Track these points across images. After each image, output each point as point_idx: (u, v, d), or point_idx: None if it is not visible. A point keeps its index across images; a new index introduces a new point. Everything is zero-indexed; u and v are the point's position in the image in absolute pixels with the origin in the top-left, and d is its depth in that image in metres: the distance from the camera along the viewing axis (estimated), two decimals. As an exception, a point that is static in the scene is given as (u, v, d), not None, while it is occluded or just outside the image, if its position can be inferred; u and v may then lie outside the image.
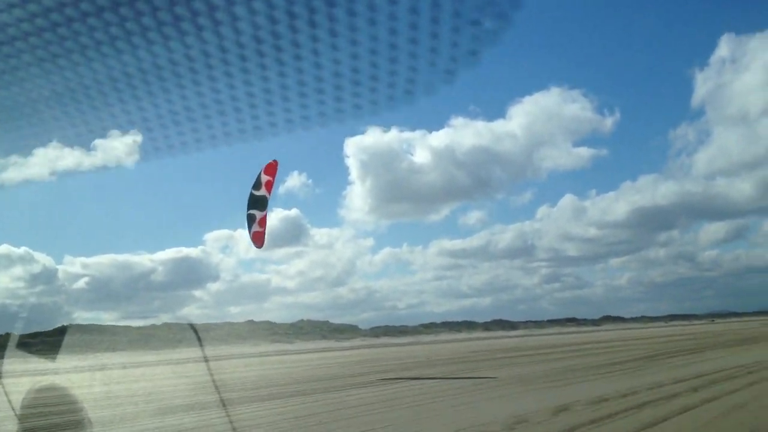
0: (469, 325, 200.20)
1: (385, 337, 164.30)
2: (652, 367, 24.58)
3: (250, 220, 22.22)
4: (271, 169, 22.41)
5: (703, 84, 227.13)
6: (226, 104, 8.12)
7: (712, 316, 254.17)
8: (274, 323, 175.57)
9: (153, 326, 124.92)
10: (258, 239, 22.36)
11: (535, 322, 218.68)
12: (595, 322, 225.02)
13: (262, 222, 22.28)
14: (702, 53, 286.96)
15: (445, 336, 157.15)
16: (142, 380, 32.76)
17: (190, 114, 8.41)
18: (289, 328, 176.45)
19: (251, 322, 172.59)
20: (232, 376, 30.92)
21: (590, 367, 25.99)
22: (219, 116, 8.39)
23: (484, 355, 42.18)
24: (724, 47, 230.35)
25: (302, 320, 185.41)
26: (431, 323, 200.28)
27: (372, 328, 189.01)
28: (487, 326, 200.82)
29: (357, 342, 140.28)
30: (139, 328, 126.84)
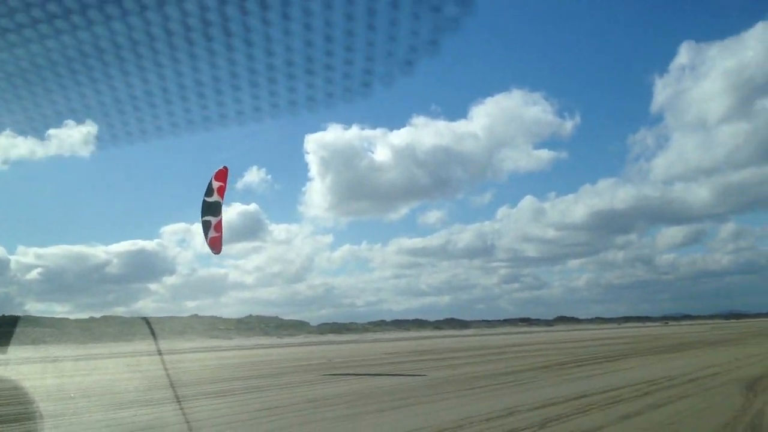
0: (419, 324, 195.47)
1: (331, 334, 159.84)
2: (536, 381, 19.79)
3: (206, 226, 22.78)
4: (222, 175, 23.00)
5: (662, 90, 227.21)
6: (172, 93, 7.74)
7: (667, 318, 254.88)
8: (219, 318, 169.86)
9: (105, 318, 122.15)
10: (215, 244, 22.84)
11: (488, 321, 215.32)
12: (548, 323, 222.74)
13: (218, 227, 22.70)
14: (662, 60, 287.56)
15: (392, 334, 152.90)
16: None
17: (136, 103, 8.06)
18: (234, 323, 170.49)
19: (195, 316, 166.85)
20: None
21: (468, 378, 20.99)
22: (165, 105, 7.97)
23: (397, 358, 37.35)
24: (684, 54, 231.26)
25: (250, 315, 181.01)
26: (381, 321, 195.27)
27: (320, 325, 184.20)
28: (439, 325, 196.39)
29: (300, 339, 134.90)
30: (91, 320, 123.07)
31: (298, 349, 65.64)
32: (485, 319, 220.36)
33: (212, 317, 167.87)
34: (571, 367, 25.11)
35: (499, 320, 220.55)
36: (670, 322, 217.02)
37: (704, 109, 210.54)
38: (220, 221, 22.85)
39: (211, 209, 22.92)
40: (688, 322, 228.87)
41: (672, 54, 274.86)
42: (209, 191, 22.83)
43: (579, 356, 32.48)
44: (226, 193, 22.95)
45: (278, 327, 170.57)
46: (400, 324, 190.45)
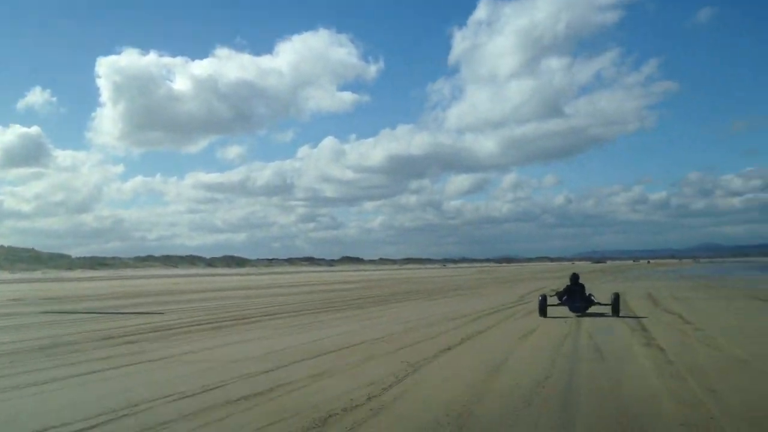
0: (192, 260, 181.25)
1: (91, 270, 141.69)
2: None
3: None
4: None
5: (460, 43, 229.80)
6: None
7: (448, 261, 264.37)
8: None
9: None
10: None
11: (269, 260, 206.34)
12: (331, 263, 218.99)
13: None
14: (462, 13, 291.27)
15: (156, 271, 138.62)
16: None
17: None
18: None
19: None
20: None
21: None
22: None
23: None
24: (482, 9, 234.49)
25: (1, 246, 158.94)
26: (149, 256, 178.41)
27: (80, 258, 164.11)
28: (213, 262, 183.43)
29: (38, 275, 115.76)
30: None
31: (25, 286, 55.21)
32: (276, 257, 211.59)
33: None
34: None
35: (281, 259, 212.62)
36: (449, 265, 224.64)
37: (496, 64, 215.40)
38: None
39: None
40: (465, 264, 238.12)
41: (471, 8, 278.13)
42: None
43: (266, 310, 22.72)
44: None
45: (34, 260, 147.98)
46: (169, 260, 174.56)
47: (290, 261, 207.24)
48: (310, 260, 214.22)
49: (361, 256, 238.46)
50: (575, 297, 18.76)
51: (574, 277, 19.50)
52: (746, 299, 25.78)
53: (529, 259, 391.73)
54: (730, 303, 23.67)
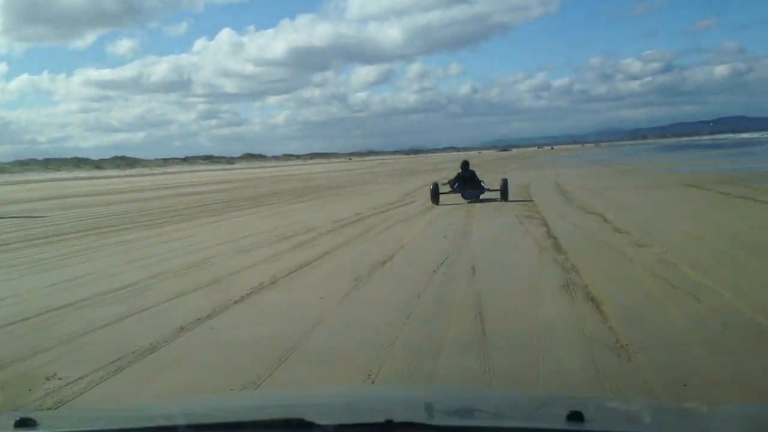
0: (77, 163, 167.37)
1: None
2: None
3: None
4: None
5: None
6: None
7: (355, 154, 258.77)
8: None
9: None
10: None
11: (165, 159, 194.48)
12: (231, 160, 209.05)
13: None
14: None
15: (35, 175, 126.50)
16: None
17: None
18: None
19: None
20: None
21: None
22: None
23: None
24: None
25: None
26: (30, 160, 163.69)
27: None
28: (101, 164, 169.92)
29: None
30: None
31: None
32: (176, 157, 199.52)
33: None
34: None
35: (179, 158, 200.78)
36: (354, 158, 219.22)
37: None
38: None
39: None
40: (372, 157, 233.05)
41: None
42: None
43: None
44: None
45: None
46: (50, 164, 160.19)
47: (187, 160, 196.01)
48: (210, 158, 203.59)
49: (264, 153, 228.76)
50: (466, 184, 19.00)
51: (465, 165, 19.57)
52: (676, 187, 21.27)
53: (437, 150, 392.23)
54: (661, 194, 18.96)
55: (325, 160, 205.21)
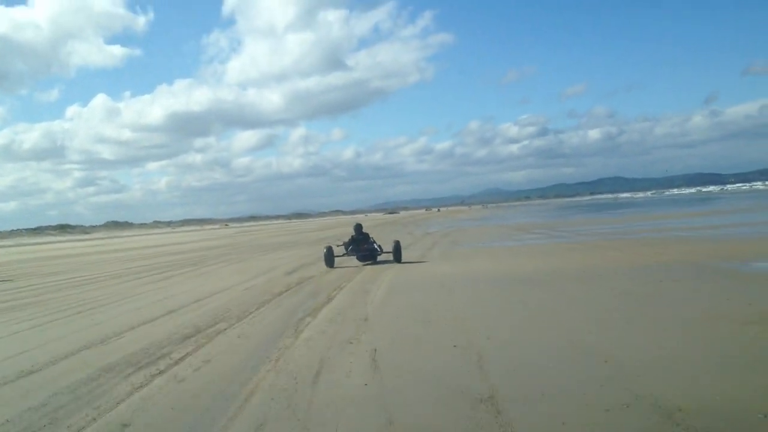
0: None
1: None
2: None
3: None
4: None
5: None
6: None
7: (235, 220, 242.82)
8: None
9: None
10: None
11: (8, 231, 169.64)
12: (86, 230, 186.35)
13: None
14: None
15: None
16: None
17: None
18: None
19: None
20: None
21: None
22: None
23: None
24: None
25: None
26: None
27: None
28: None
29: None
30: None
31: None
32: (50, 224, 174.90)
33: None
34: None
35: (27, 229, 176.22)
36: (232, 224, 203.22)
37: (272, 16, 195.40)
38: None
39: None
40: (251, 223, 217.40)
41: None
42: None
43: None
44: None
45: None
46: None
47: (37, 230, 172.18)
48: (63, 228, 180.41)
49: (144, 221, 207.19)
50: (360, 247, 18.71)
51: (358, 227, 19.47)
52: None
53: (323, 214, 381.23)
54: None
55: (198, 227, 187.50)
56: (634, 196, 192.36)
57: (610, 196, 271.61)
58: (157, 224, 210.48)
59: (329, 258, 17.77)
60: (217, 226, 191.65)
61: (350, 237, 19.08)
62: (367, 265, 17.61)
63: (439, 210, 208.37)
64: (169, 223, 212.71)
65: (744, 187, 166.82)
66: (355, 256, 18.46)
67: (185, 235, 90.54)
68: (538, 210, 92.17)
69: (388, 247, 18.70)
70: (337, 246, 19.16)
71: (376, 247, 18.73)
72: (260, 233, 68.78)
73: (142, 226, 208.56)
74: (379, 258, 18.48)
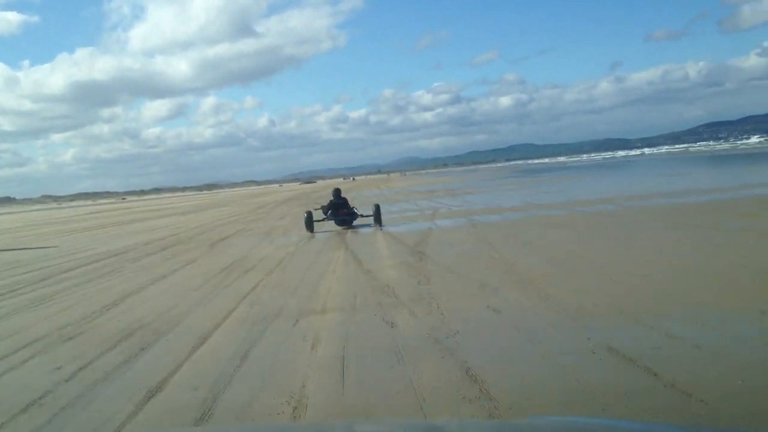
0: None
1: None
2: None
3: None
4: None
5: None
6: None
7: (131, 193, 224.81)
8: None
9: None
10: None
11: None
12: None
13: None
14: None
15: None
16: None
17: None
18: None
19: None
20: None
21: None
22: None
23: None
24: None
25: None
26: None
27: None
28: None
29: None
30: None
31: None
32: None
33: None
34: None
35: None
36: (127, 198, 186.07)
37: None
38: None
39: None
40: (153, 195, 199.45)
41: None
42: None
43: None
44: None
45: None
46: None
47: None
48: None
49: (9, 195, 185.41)
50: (339, 211, 18.64)
51: (337, 192, 19.31)
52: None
53: (235, 184, 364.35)
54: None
55: (92, 201, 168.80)
56: (550, 161, 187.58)
57: (521, 162, 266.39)
58: (44, 199, 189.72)
59: (309, 223, 17.65)
60: (113, 200, 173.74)
61: (329, 201, 19.05)
62: (346, 229, 17.72)
63: (353, 179, 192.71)
64: (56, 198, 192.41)
65: (661, 151, 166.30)
66: (334, 221, 18.46)
67: (44, 214, 75.41)
68: (486, 176, 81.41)
69: (368, 210, 18.86)
70: (316, 210, 19.06)
71: (355, 211, 18.85)
72: (135, 213, 55.65)
73: (26, 201, 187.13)
74: (356, 222, 18.50)
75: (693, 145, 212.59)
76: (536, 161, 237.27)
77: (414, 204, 27.25)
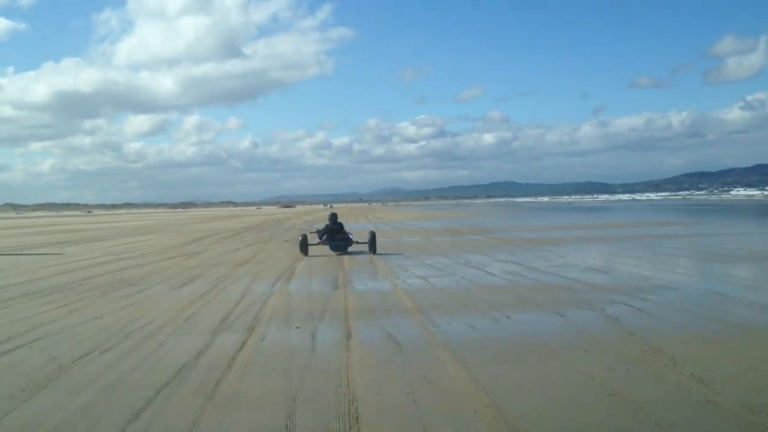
0: None
1: None
2: None
3: None
4: None
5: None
6: None
7: (99, 207, 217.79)
8: None
9: None
10: None
11: None
12: None
13: None
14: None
15: None
16: None
17: None
18: None
19: None
20: None
21: None
22: None
23: None
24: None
25: None
26: None
27: None
28: None
29: None
30: None
31: None
32: None
33: None
34: None
35: None
36: (94, 211, 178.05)
37: None
38: None
39: None
40: (123, 210, 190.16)
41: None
42: None
43: None
44: None
45: None
46: None
47: None
48: None
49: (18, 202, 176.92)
50: (334, 236, 18.50)
51: (333, 217, 19.25)
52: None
53: (212, 204, 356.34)
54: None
55: (55, 213, 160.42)
56: (534, 200, 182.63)
57: (503, 199, 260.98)
58: (5, 207, 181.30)
59: (304, 246, 17.44)
60: (79, 213, 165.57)
61: (324, 226, 18.97)
62: (340, 254, 17.62)
63: (331, 206, 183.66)
64: (16, 207, 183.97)
65: (654, 197, 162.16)
66: (329, 246, 18.24)
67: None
68: (488, 212, 75.19)
69: (363, 238, 18.75)
70: (311, 234, 18.99)
71: (350, 237, 18.61)
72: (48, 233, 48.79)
73: (32, 207, 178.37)
74: (350, 249, 18.32)
75: (676, 193, 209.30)
76: (525, 199, 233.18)
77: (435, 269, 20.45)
